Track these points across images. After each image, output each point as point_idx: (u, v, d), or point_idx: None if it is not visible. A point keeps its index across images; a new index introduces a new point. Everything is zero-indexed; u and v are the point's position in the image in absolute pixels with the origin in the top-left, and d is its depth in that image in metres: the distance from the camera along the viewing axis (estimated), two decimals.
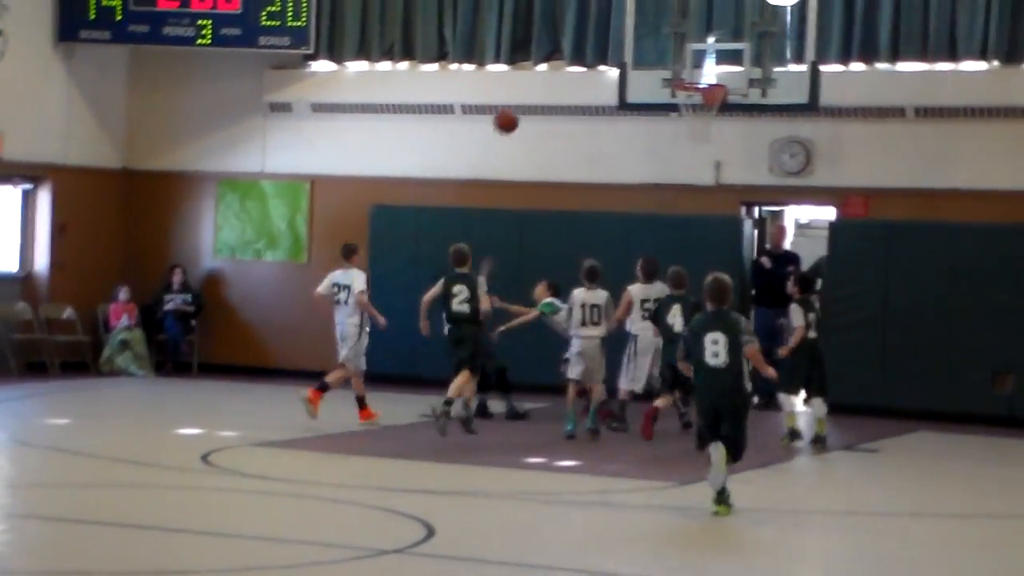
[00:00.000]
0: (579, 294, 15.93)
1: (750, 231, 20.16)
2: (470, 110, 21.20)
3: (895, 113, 19.40)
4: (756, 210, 20.63)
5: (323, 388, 16.29)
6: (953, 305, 18.56)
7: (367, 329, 16.59)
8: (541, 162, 20.81)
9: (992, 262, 18.49)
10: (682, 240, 19.32)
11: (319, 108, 21.97)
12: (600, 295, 15.89)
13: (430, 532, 10.48)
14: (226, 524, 10.85)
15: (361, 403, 16.56)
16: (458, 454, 14.43)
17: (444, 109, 21.38)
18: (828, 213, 20.32)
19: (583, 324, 15.81)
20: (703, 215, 19.78)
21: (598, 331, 15.79)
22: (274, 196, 22.23)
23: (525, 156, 20.81)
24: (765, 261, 19.67)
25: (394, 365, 19.87)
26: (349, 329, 16.48)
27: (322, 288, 16.72)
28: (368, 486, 12.46)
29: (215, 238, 22.54)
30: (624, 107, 19.03)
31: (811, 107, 18.34)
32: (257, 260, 22.37)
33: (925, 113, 19.29)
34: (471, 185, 21.11)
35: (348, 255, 16.71)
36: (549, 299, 17.19)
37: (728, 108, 18.25)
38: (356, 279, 16.50)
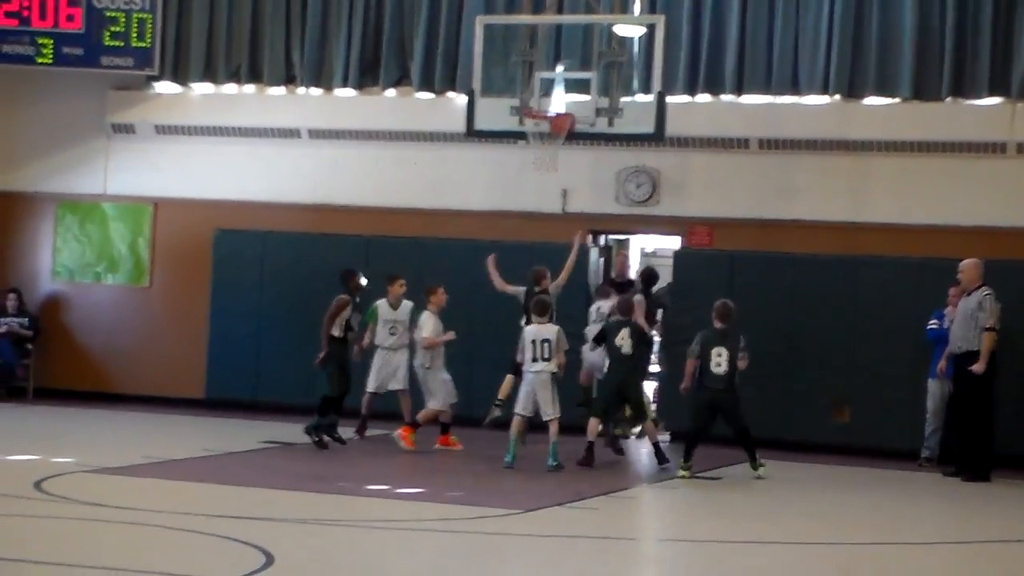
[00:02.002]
0: (530, 330, 16.07)
1: (596, 259, 20.26)
2: (317, 134, 21.07)
3: (739, 144, 19.64)
4: (602, 239, 20.74)
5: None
6: (793, 334, 18.81)
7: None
8: (388, 187, 20.74)
9: (831, 292, 18.78)
10: (529, 267, 19.32)
11: (163, 130, 21.67)
12: (550, 329, 15.97)
13: (269, 560, 10.29)
14: (61, 553, 10.55)
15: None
16: (299, 481, 14.25)
17: (291, 133, 21.21)
18: (673, 242, 20.49)
19: (533, 360, 15.83)
20: (549, 243, 19.81)
21: (548, 366, 15.82)
22: (115, 218, 21.85)
23: (372, 181, 20.74)
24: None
25: (236, 390, 19.61)
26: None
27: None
28: (207, 513, 12.22)
29: (54, 260, 22.10)
30: (472, 134, 19.03)
31: (657, 137, 18.49)
32: (97, 283, 21.97)
33: (769, 145, 19.56)
34: (317, 210, 20.96)
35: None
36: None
37: (575, 137, 18.36)
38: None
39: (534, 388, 15.83)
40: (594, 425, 16.12)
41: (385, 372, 17.61)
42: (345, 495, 13.78)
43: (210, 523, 11.74)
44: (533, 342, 15.90)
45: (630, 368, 16.23)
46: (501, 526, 12.47)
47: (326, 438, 16.58)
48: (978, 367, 16.33)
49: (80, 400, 20.89)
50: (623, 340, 16.14)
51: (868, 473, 17.21)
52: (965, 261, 16.77)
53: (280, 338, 19.72)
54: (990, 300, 16.44)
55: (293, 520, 12.26)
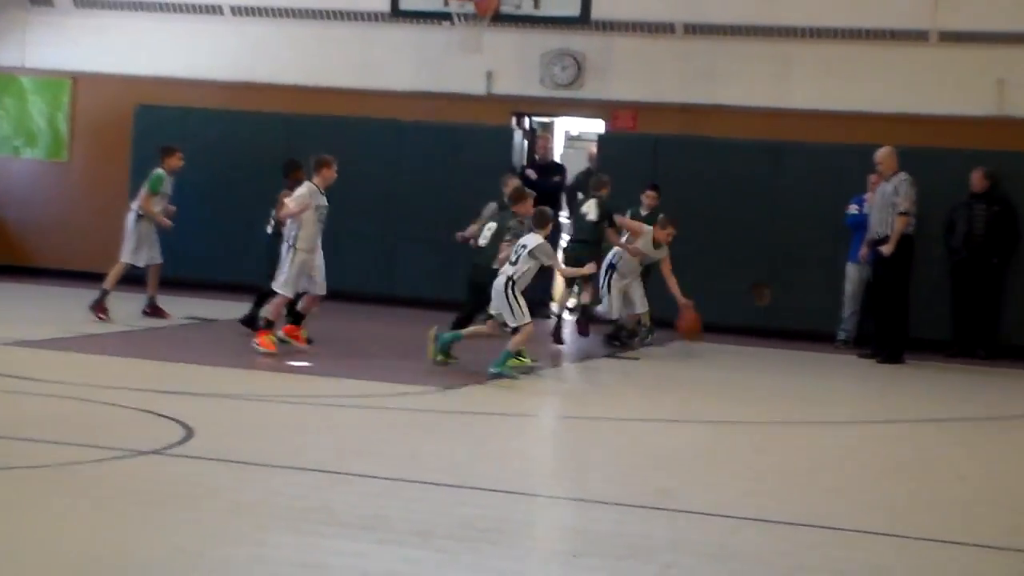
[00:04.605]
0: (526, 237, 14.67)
1: (520, 142, 20.24)
2: (240, 11, 20.82)
3: (664, 29, 19.60)
4: (527, 121, 20.71)
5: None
6: (716, 218, 18.94)
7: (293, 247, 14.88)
8: (311, 67, 20.57)
9: (754, 177, 18.90)
10: (452, 149, 19.35)
11: (82, 3, 21.34)
12: (531, 238, 14.35)
13: (189, 433, 10.33)
14: None
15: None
16: (221, 357, 14.26)
17: (213, 9, 20.95)
18: (597, 126, 20.50)
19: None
20: (474, 124, 19.80)
21: (507, 270, 14.29)
22: (33, 92, 21.55)
23: (295, 60, 20.55)
24: (531, 172, 19.78)
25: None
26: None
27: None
28: (126, 387, 12.21)
29: None
30: (397, 14, 18.87)
31: (583, 20, 18.43)
32: (15, 157, 21.72)
33: (693, 30, 19.53)
34: (239, 87, 20.77)
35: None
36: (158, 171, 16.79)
37: (501, 19, 18.26)
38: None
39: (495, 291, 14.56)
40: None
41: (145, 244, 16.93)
42: (265, 371, 13.79)
43: (130, 397, 11.74)
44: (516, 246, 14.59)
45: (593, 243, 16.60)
46: (420, 402, 12.56)
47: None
48: (887, 248, 16.55)
49: None
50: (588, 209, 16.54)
51: (786, 355, 17.45)
52: (882, 150, 16.92)
53: (200, 215, 19.58)
54: (906, 185, 16.63)
55: (213, 395, 12.29)
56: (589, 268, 15.33)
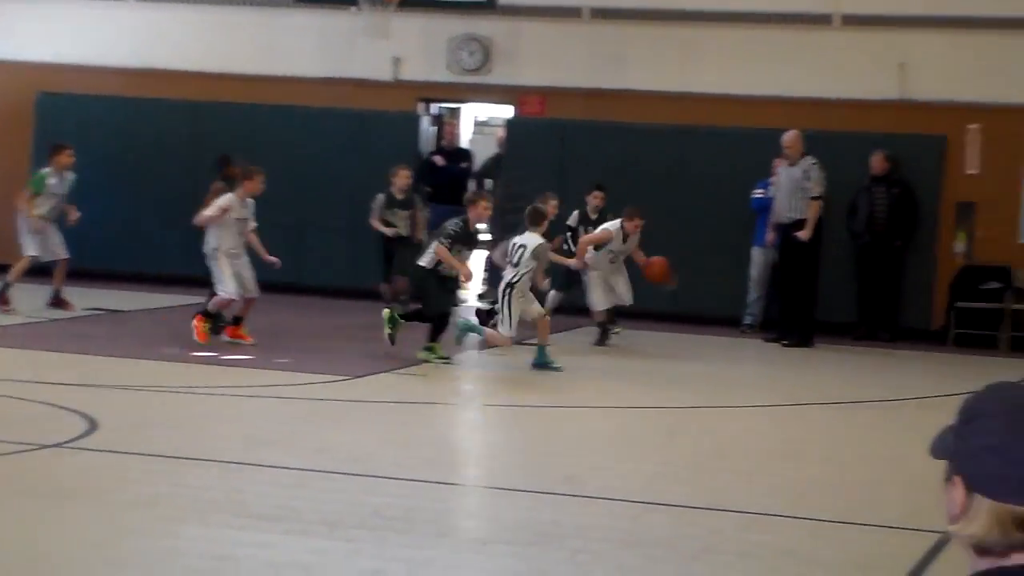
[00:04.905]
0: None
1: (427, 128, 20.20)
2: None
3: (571, 13, 19.61)
4: (434, 107, 20.65)
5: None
6: (624, 203, 18.95)
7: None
8: (216, 53, 20.37)
9: (661, 161, 18.96)
10: (359, 135, 19.27)
11: None
12: (527, 237, 14.20)
13: (93, 426, 10.22)
14: None
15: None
16: (125, 348, 14.12)
17: None
18: (506, 111, 20.49)
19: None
20: (380, 111, 19.72)
21: (508, 274, 14.24)
22: None
23: (199, 46, 20.36)
24: (438, 159, 19.75)
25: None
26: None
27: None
28: (28, 379, 12.05)
29: None
30: (301, 0, 18.76)
31: (489, 5, 18.41)
32: None
33: (600, 14, 19.56)
34: (143, 74, 20.53)
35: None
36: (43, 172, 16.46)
37: (407, 3, 18.22)
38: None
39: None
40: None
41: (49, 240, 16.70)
42: (169, 362, 13.66)
43: (32, 389, 11.60)
44: (512, 245, 14.43)
45: None
46: (328, 392, 12.51)
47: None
48: (804, 234, 16.68)
49: None
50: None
51: (695, 339, 17.55)
52: (789, 133, 17.03)
53: (103, 204, 19.35)
54: (816, 169, 16.76)
55: (117, 386, 12.17)
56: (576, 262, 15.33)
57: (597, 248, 16.19)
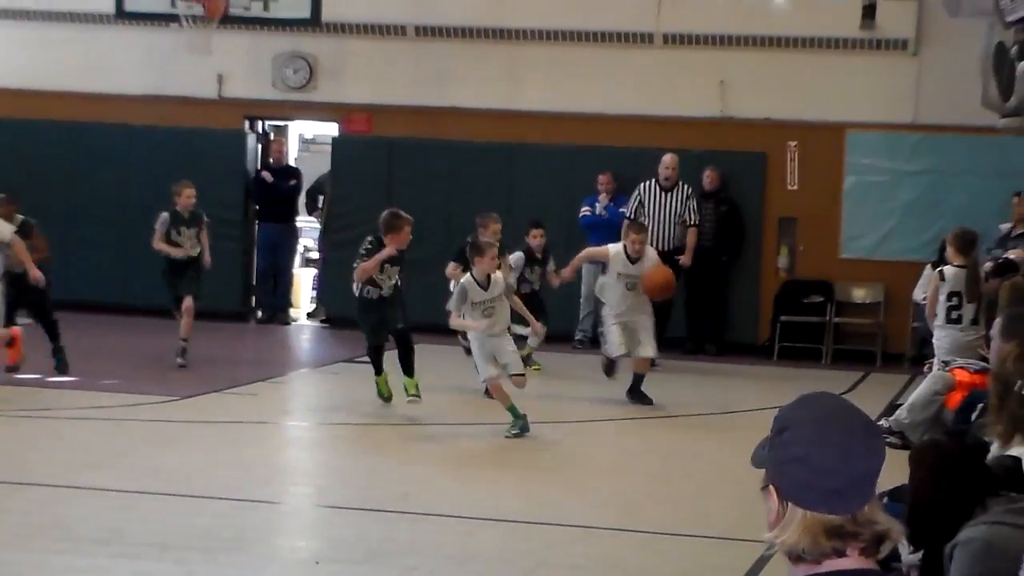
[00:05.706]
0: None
1: (254, 145, 20.06)
2: None
3: (397, 31, 19.63)
4: (260, 124, 20.51)
5: None
6: (450, 219, 19.02)
7: None
8: (36, 70, 19.99)
9: (487, 178, 19.04)
10: (185, 153, 19.05)
11: None
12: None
13: None
14: None
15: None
16: None
17: None
18: (331, 129, 20.43)
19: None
20: (206, 128, 19.53)
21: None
22: None
23: (17, 63, 19.98)
24: (267, 176, 19.63)
25: None
26: None
27: None
28: None
29: None
30: (122, 16, 18.52)
31: (313, 22, 18.35)
32: None
33: (425, 32, 19.60)
34: None
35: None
36: None
37: (230, 20, 18.06)
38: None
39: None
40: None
41: None
42: None
43: None
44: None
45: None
46: (156, 413, 12.34)
47: None
48: (686, 260, 17.52)
49: None
50: None
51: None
52: (672, 156, 17.68)
53: None
54: (696, 198, 17.68)
55: None
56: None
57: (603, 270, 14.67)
